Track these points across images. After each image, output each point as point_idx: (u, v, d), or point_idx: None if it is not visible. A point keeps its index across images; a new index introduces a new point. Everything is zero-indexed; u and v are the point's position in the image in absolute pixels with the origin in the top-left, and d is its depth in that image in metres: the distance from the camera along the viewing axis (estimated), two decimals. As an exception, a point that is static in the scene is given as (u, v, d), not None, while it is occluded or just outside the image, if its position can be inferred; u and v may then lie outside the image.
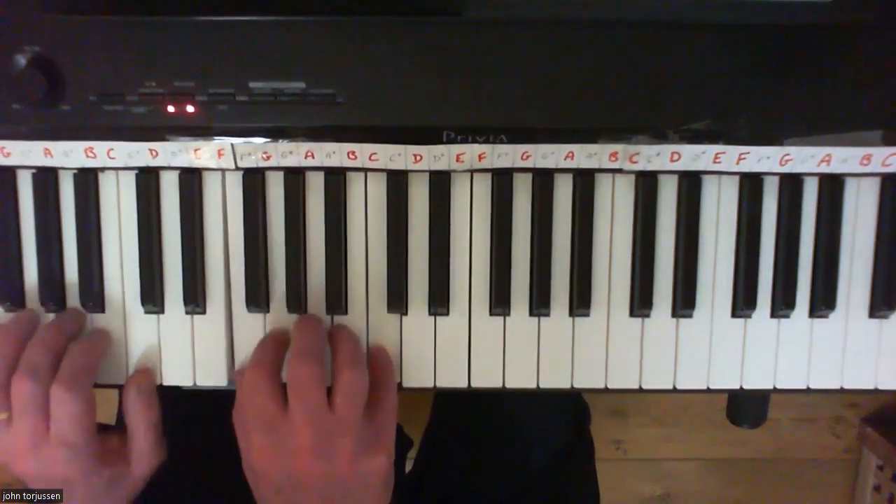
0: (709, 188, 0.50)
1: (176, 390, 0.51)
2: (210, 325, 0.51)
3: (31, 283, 0.50)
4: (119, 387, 0.51)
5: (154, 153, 0.48)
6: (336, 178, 0.49)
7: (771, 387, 0.52)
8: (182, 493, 0.58)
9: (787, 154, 0.48)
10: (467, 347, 0.51)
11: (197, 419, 0.59)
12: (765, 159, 0.49)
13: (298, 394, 0.44)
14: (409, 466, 0.81)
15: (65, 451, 0.44)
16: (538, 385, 0.51)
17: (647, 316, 0.51)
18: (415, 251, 0.50)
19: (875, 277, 0.51)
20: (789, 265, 0.50)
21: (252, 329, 0.51)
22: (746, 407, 0.66)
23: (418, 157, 0.48)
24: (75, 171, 0.49)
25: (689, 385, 0.51)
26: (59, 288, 0.50)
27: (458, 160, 0.48)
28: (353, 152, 0.48)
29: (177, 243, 0.50)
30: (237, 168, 0.49)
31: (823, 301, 0.50)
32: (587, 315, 0.51)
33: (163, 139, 0.48)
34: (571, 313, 0.51)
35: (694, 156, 0.48)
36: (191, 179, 0.49)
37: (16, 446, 0.44)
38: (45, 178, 0.49)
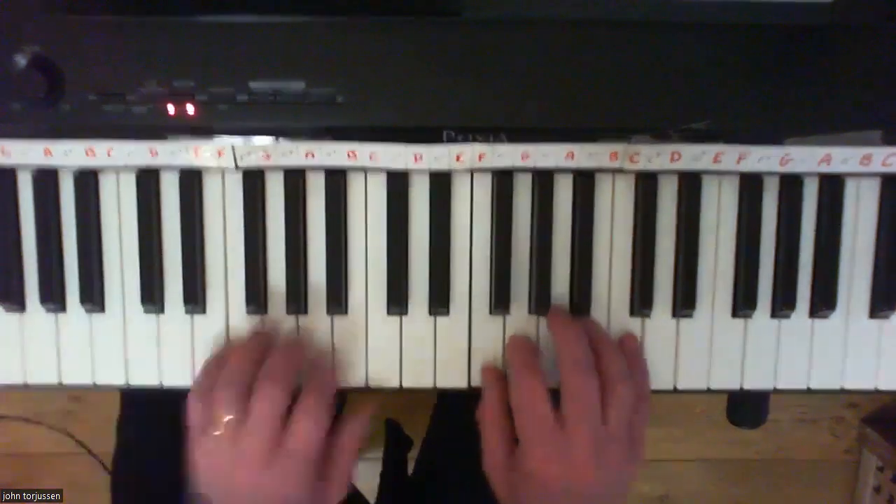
0: (709, 188, 0.50)
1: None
2: (210, 325, 0.51)
3: (32, 283, 0.50)
4: (118, 387, 0.51)
5: (154, 153, 0.48)
6: (336, 178, 0.49)
7: (771, 387, 0.52)
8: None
9: (787, 154, 0.48)
10: (467, 347, 0.51)
11: None
12: (765, 159, 0.49)
13: (578, 405, 0.44)
14: (409, 467, 0.81)
15: (300, 466, 0.43)
16: (538, 385, 0.51)
17: (648, 316, 0.51)
18: (415, 251, 0.50)
19: (875, 277, 0.51)
20: (789, 265, 0.50)
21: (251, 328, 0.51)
22: (746, 407, 0.66)
23: (418, 157, 0.48)
24: (75, 170, 0.49)
25: (689, 385, 0.51)
26: (59, 288, 0.50)
27: (458, 160, 0.48)
28: (353, 152, 0.48)
29: (177, 243, 0.50)
30: (237, 168, 0.49)
31: (823, 301, 0.50)
32: (587, 315, 0.51)
33: (163, 139, 0.48)
34: (571, 313, 0.51)
35: (694, 156, 0.48)
36: (191, 179, 0.49)
37: (245, 452, 0.43)
38: (45, 178, 0.49)
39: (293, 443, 0.43)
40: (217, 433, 0.44)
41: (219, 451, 0.44)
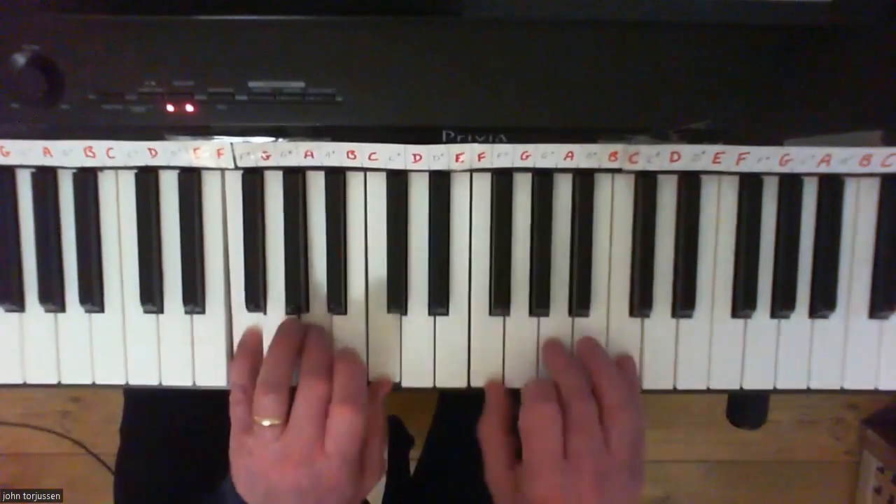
0: (708, 188, 0.50)
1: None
2: (209, 325, 0.50)
3: (31, 283, 0.50)
4: (117, 387, 0.51)
5: (153, 153, 0.48)
6: (336, 178, 0.49)
7: (771, 387, 0.52)
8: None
9: (787, 154, 0.48)
10: (467, 347, 0.51)
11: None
12: (765, 159, 0.48)
13: (581, 435, 0.44)
14: (410, 466, 0.81)
15: (342, 464, 0.44)
16: (538, 385, 0.51)
17: (647, 316, 0.51)
18: (414, 251, 0.50)
19: (875, 278, 0.51)
20: (789, 265, 0.50)
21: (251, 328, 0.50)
22: (746, 408, 0.66)
23: (418, 157, 0.48)
24: (75, 170, 0.49)
25: (689, 385, 0.51)
26: (58, 288, 0.50)
27: (457, 160, 0.48)
28: (353, 152, 0.48)
29: (176, 243, 0.50)
30: (237, 168, 0.49)
31: (823, 301, 0.50)
32: (586, 315, 0.51)
33: (162, 139, 0.48)
34: (571, 313, 0.51)
35: (694, 156, 0.48)
36: (190, 179, 0.49)
37: (290, 452, 0.43)
38: (45, 178, 0.49)
39: (333, 442, 0.44)
40: (259, 433, 0.44)
41: (261, 450, 0.44)
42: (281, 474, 0.44)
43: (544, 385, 0.47)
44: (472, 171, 0.49)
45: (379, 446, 0.49)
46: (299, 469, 0.43)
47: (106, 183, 0.49)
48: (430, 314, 0.51)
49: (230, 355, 0.51)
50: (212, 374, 0.51)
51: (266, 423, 0.44)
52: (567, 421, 0.44)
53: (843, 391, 0.52)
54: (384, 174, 0.49)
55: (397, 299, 0.50)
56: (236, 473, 0.46)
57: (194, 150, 0.48)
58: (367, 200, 0.50)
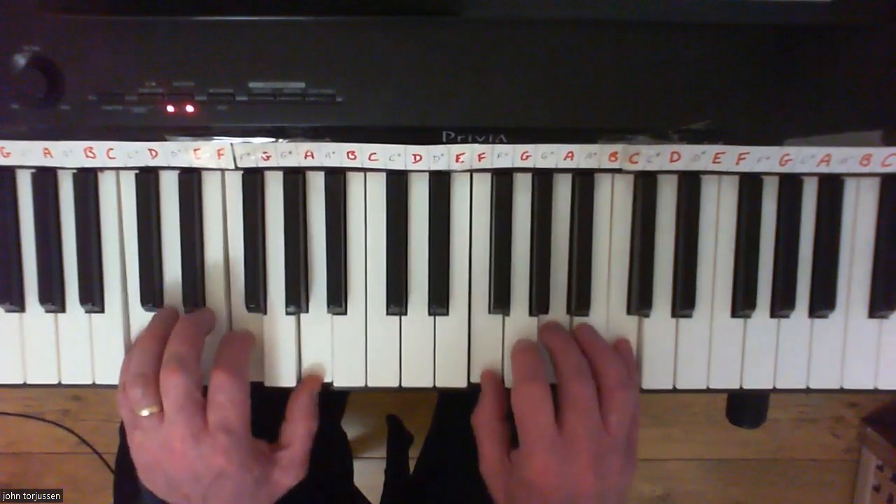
0: (708, 188, 0.50)
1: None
2: (210, 325, 0.50)
3: (31, 283, 0.50)
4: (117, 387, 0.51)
5: (154, 153, 0.48)
6: (336, 178, 0.49)
7: (771, 387, 0.52)
8: None
9: (787, 154, 0.48)
10: (467, 347, 0.51)
11: None
12: (765, 159, 0.49)
13: (578, 413, 0.44)
14: (412, 464, 0.81)
15: (226, 438, 0.44)
16: (538, 385, 0.51)
17: (647, 316, 0.51)
18: (414, 251, 0.50)
19: (875, 277, 0.51)
20: (789, 265, 0.50)
21: (250, 329, 0.51)
22: (746, 407, 0.66)
23: (418, 157, 0.48)
24: (75, 170, 0.49)
25: (689, 385, 0.51)
26: (58, 288, 0.50)
27: (457, 160, 0.48)
28: (353, 152, 0.48)
29: (176, 244, 0.50)
30: (237, 168, 0.49)
31: (823, 301, 0.50)
32: (586, 315, 0.51)
33: (162, 139, 0.48)
34: (570, 313, 0.51)
35: (694, 156, 0.48)
36: (190, 179, 0.49)
37: (172, 441, 0.43)
38: (45, 178, 0.49)
39: (213, 411, 0.44)
40: (143, 425, 0.44)
41: (148, 442, 0.44)
42: (171, 461, 0.44)
43: (533, 363, 0.47)
44: (472, 171, 0.49)
45: (302, 440, 0.48)
46: (185, 451, 0.43)
47: (106, 183, 0.50)
48: (429, 314, 0.51)
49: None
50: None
51: (145, 412, 0.44)
52: (565, 401, 0.44)
53: (842, 391, 0.52)
54: (384, 174, 0.49)
55: (397, 299, 0.50)
56: (139, 470, 0.46)
57: (195, 150, 0.48)
58: (367, 201, 0.50)
